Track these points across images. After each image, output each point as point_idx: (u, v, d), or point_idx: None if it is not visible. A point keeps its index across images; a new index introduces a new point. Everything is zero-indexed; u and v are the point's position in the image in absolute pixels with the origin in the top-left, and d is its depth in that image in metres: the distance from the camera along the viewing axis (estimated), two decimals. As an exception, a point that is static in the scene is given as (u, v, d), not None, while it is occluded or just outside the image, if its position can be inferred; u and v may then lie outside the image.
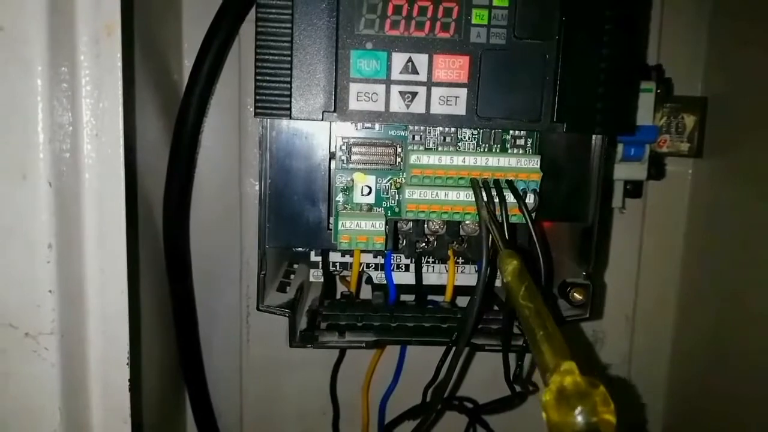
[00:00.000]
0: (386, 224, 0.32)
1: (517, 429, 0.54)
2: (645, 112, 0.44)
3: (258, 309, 0.34)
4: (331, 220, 0.33)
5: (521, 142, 0.33)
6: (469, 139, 0.33)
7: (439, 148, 0.33)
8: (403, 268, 0.43)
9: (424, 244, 0.41)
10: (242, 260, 0.53)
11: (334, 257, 0.42)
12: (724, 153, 0.49)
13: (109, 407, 0.29)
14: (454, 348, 0.32)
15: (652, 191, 0.54)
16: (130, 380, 0.29)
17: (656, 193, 0.54)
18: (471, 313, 0.30)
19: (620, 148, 0.44)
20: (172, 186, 0.44)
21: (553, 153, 0.33)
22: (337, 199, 0.33)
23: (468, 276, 0.43)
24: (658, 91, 0.44)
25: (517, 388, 0.37)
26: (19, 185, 0.25)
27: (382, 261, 0.42)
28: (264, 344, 0.55)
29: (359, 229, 0.31)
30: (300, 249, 0.42)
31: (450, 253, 0.41)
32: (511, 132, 0.33)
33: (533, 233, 0.30)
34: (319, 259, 0.42)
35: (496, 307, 0.39)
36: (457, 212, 0.31)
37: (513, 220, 0.31)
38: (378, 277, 0.43)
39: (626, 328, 0.57)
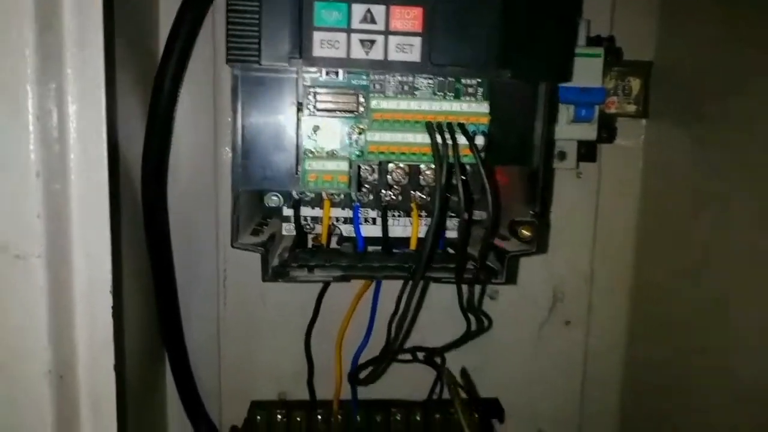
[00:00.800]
0: (350, 166, 0.35)
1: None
2: (594, 76, 0.47)
3: (232, 246, 0.36)
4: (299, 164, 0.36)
5: (472, 90, 0.36)
6: (425, 88, 0.36)
7: (398, 96, 0.36)
8: (370, 221, 0.46)
9: (388, 198, 0.44)
10: (218, 226, 0.55)
11: (305, 212, 0.45)
12: (675, 117, 0.53)
13: (93, 334, 0.31)
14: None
15: (607, 156, 0.58)
16: (113, 307, 0.31)
17: (611, 157, 0.58)
18: (426, 245, 0.33)
19: (572, 109, 0.48)
20: (150, 155, 0.46)
21: (503, 101, 0.36)
22: (304, 144, 0.36)
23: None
24: (608, 58, 0.48)
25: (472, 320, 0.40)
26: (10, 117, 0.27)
27: (351, 215, 0.45)
28: (240, 308, 0.57)
29: (324, 170, 0.34)
30: (273, 205, 0.45)
31: (413, 205, 0.44)
32: (463, 81, 0.36)
33: (482, 170, 0.33)
34: (291, 213, 0.44)
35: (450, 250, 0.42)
36: (415, 153, 0.34)
37: (465, 160, 0.34)
38: (347, 230, 0.46)
39: (585, 287, 0.60)
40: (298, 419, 0.57)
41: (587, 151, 0.54)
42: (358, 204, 0.44)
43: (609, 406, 0.61)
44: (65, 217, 0.29)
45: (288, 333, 0.56)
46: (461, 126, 0.34)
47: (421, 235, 0.45)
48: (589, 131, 0.49)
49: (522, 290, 0.59)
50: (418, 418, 0.57)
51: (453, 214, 0.40)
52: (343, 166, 0.34)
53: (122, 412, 0.33)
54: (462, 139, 0.34)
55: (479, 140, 0.34)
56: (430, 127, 0.34)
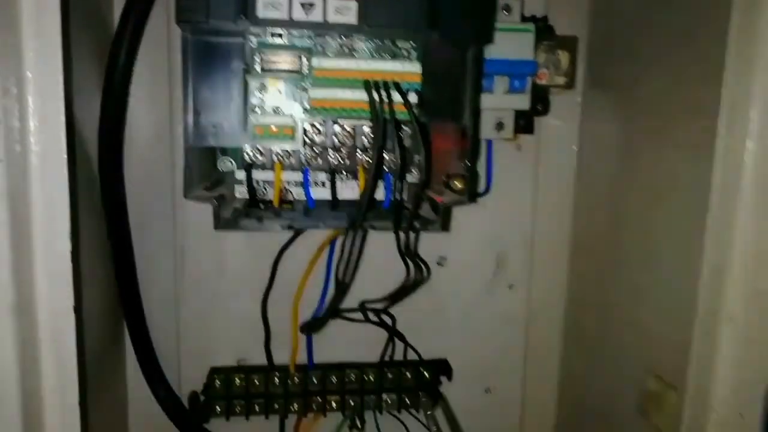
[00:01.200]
0: (294, 120, 0.37)
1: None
2: (525, 49, 0.52)
3: (185, 197, 0.39)
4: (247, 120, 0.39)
5: (406, 53, 0.39)
6: (364, 50, 0.39)
7: (338, 56, 0.39)
8: (320, 185, 0.49)
9: (336, 161, 0.47)
10: (174, 191, 0.55)
11: (257, 175, 0.47)
12: (605, 89, 0.58)
13: (52, 273, 0.33)
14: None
15: (545, 129, 0.62)
16: (71, 251, 0.33)
17: (550, 130, 0.62)
18: (365, 192, 0.36)
19: (506, 80, 0.52)
20: (106, 123, 0.47)
21: (435, 62, 0.40)
22: (251, 101, 0.38)
23: (378, 190, 0.49)
24: (540, 35, 0.52)
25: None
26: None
27: (302, 178, 0.48)
28: (199, 276, 0.59)
29: (270, 123, 0.37)
30: (226, 169, 0.47)
31: (360, 168, 0.47)
32: (398, 44, 0.39)
33: (415, 124, 0.36)
34: (243, 176, 0.47)
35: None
36: (355, 109, 0.37)
37: (400, 116, 0.37)
38: (299, 194, 0.49)
39: (526, 253, 0.64)
40: (257, 383, 0.59)
41: (526, 123, 0.58)
42: (307, 167, 0.47)
43: (551, 363, 0.66)
44: (24, 163, 0.31)
45: (246, 299, 0.58)
46: (396, 84, 0.38)
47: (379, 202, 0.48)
48: (522, 101, 0.53)
49: (467, 257, 0.63)
50: (371, 378, 0.60)
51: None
52: (288, 120, 0.37)
53: (81, 360, 0.34)
54: (397, 96, 0.37)
55: (412, 97, 0.38)
56: (368, 85, 0.37)
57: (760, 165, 0.35)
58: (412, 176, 0.46)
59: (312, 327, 0.50)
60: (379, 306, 0.57)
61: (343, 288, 0.43)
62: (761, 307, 0.36)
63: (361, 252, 0.43)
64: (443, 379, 0.63)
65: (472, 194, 0.41)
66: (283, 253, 0.57)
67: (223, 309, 0.60)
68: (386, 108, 0.36)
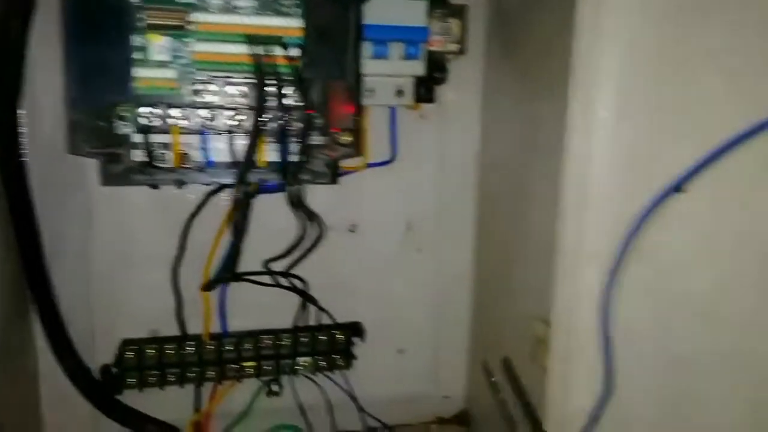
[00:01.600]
0: (179, 74, 0.39)
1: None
2: (418, 17, 0.54)
3: (70, 152, 0.39)
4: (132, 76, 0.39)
5: (289, 9, 0.41)
6: (247, 6, 0.41)
7: (221, 12, 0.40)
8: (220, 147, 0.49)
9: (236, 122, 0.48)
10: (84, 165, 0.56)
11: (156, 138, 0.48)
12: (502, 58, 0.61)
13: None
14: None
15: (448, 97, 0.65)
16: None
17: (452, 98, 0.65)
18: (250, 144, 0.38)
19: (401, 47, 0.55)
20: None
21: (319, 20, 0.42)
22: (135, 57, 0.39)
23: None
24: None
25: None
26: None
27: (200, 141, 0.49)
28: (109, 248, 0.58)
29: (155, 77, 0.38)
30: (122, 133, 0.47)
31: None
32: (282, 1, 0.41)
33: (299, 78, 0.38)
34: (140, 140, 0.47)
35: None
36: (238, 63, 0.39)
37: (283, 70, 0.39)
38: (198, 156, 0.50)
39: (434, 218, 0.67)
40: (170, 353, 0.59)
41: (426, 92, 0.61)
42: (206, 131, 0.48)
43: (460, 321, 0.69)
44: None
45: (158, 269, 0.59)
46: (278, 38, 0.39)
47: (269, 158, 0.50)
48: (418, 67, 0.56)
49: (377, 223, 0.65)
50: (286, 343, 0.62)
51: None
52: (172, 73, 0.38)
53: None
54: (279, 51, 0.39)
55: (294, 51, 0.39)
56: (250, 39, 0.38)
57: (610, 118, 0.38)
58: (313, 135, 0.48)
59: (209, 286, 0.51)
60: (281, 267, 0.59)
61: (235, 244, 0.44)
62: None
63: (246, 208, 0.45)
64: (357, 341, 0.65)
65: (356, 149, 0.43)
66: (192, 220, 0.57)
67: (135, 280, 0.60)
68: (268, 61, 0.38)
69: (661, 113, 0.38)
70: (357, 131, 0.43)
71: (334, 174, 0.47)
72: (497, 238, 0.63)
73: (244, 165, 0.39)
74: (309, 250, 0.55)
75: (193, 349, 0.60)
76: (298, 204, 0.45)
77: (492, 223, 0.65)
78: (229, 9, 0.41)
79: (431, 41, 0.55)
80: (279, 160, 0.44)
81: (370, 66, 0.54)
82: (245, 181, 0.39)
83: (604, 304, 0.37)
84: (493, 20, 0.63)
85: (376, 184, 0.64)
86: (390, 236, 0.66)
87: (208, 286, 0.53)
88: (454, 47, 0.56)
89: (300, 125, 0.43)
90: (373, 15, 0.52)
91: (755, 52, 0.37)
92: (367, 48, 0.53)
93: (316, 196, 0.62)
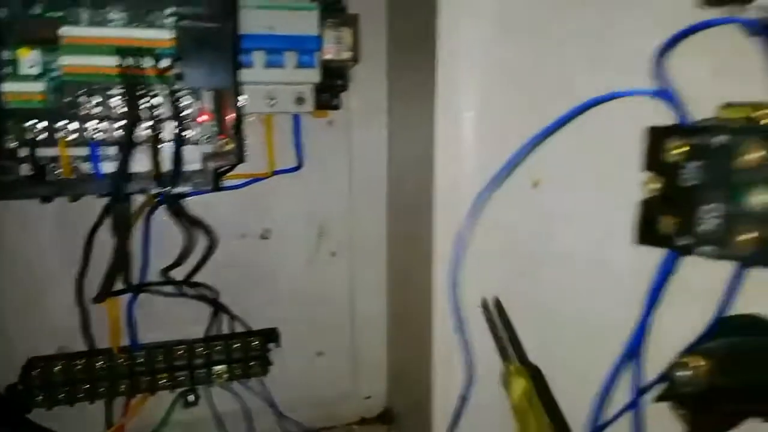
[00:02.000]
0: (50, 87, 0.39)
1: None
2: (310, 26, 0.56)
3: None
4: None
5: (161, 22, 0.42)
6: (119, 20, 0.41)
7: (91, 25, 0.41)
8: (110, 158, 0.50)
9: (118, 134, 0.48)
10: None
11: (43, 152, 0.48)
12: (400, 62, 0.63)
13: None
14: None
15: (355, 104, 0.67)
16: None
17: (359, 105, 0.67)
18: (121, 160, 0.38)
19: (295, 56, 0.56)
20: None
21: (194, 31, 0.43)
22: (4, 70, 0.39)
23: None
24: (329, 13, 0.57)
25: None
26: None
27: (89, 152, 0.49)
28: (17, 266, 0.58)
29: (22, 90, 0.38)
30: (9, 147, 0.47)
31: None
32: (155, 14, 0.42)
33: (172, 89, 0.39)
34: (26, 153, 0.47)
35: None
36: (108, 74, 0.39)
37: (154, 81, 0.40)
38: (87, 167, 0.50)
39: (347, 222, 0.69)
40: (78, 368, 0.59)
41: (330, 99, 0.63)
42: (94, 142, 0.48)
43: (377, 321, 0.70)
44: None
45: (63, 284, 0.58)
46: (150, 50, 0.40)
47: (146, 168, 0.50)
48: (313, 75, 0.57)
49: (290, 229, 0.66)
50: (200, 352, 0.62)
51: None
52: (40, 85, 0.38)
53: None
54: (150, 63, 0.40)
55: (165, 63, 0.40)
56: (120, 51, 0.39)
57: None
58: (205, 144, 0.49)
59: (98, 297, 0.52)
60: (196, 276, 0.59)
61: (119, 255, 0.44)
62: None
63: (127, 218, 0.45)
64: (273, 346, 0.65)
65: (239, 155, 0.45)
66: (95, 232, 0.57)
67: (41, 297, 0.59)
68: (139, 73, 0.39)
69: (519, 113, 0.41)
70: (239, 138, 0.44)
71: (216, 181, 0.48)
72: (405, 238, 0.65)
73: (117, 176, 0.39)
74: (204, 258, 0.56)
75: (103, 363, 0.59)
76: (177, 213, 0.45)
77: (400, 225, 0.66)
78: (100, 22, 0.41)
79: (325, 50, 0.57)
80: (153, 169, 0.45)
81: (266, 75, 0.55)
82: (120, 192, 0.40)
83: (452, 295, 0.39)
84: (392, 26, 0.65)
85: (286, 191, 0.65)
86: (303, 241, 0.67)
87: (97, 298, 0.53)
88: (347, 56, 0.58)
89: (176, 135, 0.44)
90: (266, 25, 0.54)
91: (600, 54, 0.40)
92: (261, 57, 0.54)
93: (225, 203, 0.63)
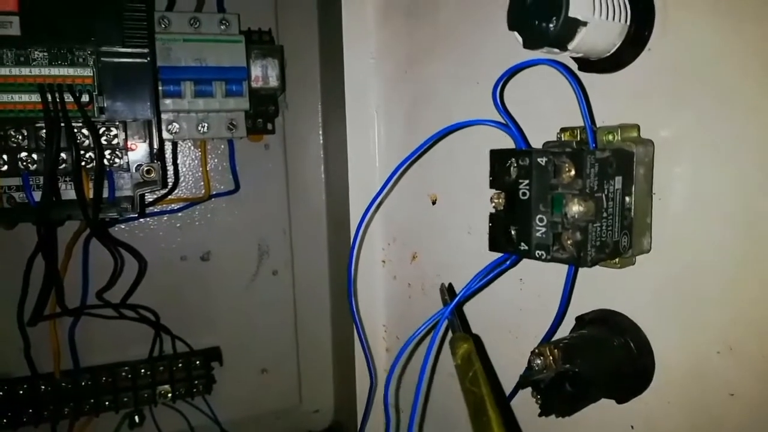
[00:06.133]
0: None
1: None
2: (238, 57, 0.59)
3: None
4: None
5: (82, 59, 0.45)
6: (41, 59, 0.44)
7: (13, 64, 0.43)
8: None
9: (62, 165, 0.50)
10: None
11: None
12: (330, 87, 0.66)
13: None
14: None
15: (289, 127, 0.70)
16: None
17: (294, 130, 0.70)
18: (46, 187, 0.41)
19: (224, 85, 0.59)
20: None
21: (115, 67, 0.45)
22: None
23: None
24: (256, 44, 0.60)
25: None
26: None
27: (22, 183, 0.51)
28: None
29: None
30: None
31: (83, 171, 0.51)
32: (76, 52, 0.45)
33: (87, 119, 0.42)
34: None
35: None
36: (33, 110, 0.42)
37: (74, 116, 0.43)
38: (20, 197, 0.52)
39: (285, 240, 0.71)
40: (21, 393, 0.60)
41: (264, 124, 0.66)
42: (26, 173, 0.50)
43: (322, 334, 0.72)
44: None
45: (4, 311, 0.59)
46: (69, 87, 0.43)
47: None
48: (242, 103, 0.60)
49: (231, 250, 0.69)
50: (144, 373, 0.63)
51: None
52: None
53: None
54: (70, 98, 0.42)
55: (85, 98, 0.43)
56: (42, 88, 0.42)
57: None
58: (131, 171, 0.51)
59: (30, 321, 0.53)
60: (133, 300, 0.61)
61: (48, 278, 0.46)
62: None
63: (50, 245, 0.47)
64: (216, 365, 0.67)
65: (163, 181, 0.47)
66: (33, 260, 0.59)
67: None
68: (59, 108, 0.41)
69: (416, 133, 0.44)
70: (162, 166, 0.47)
71: (141, 207, 0.51)
72: (343, 253, 0.67)
73: (41, 204, 0.42)
74: (136, 281, 0.58)
75: (45, 387, 0.60)
76: (103, 238, 0.47)
77: (339, 241, 0.69)
78: (24, 62, 0.44)
79: (253, 79, 0.60)
80: (113, 198, 0.47)
81: (197, 104, 0.58)
82: (43, 219, 0.42)
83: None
84: (323, 54, 0.68)
85: (225, 213, 0.68)
86: (244, 261, 0.70)
87: (30, 321, 0.55)
88: (275, 84, 0.61)
89: (97, 164, 0.46)
90: (194, 57, 0.57)
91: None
92: (190, 87, 0.57)
93: (164, 227, 0.66)
